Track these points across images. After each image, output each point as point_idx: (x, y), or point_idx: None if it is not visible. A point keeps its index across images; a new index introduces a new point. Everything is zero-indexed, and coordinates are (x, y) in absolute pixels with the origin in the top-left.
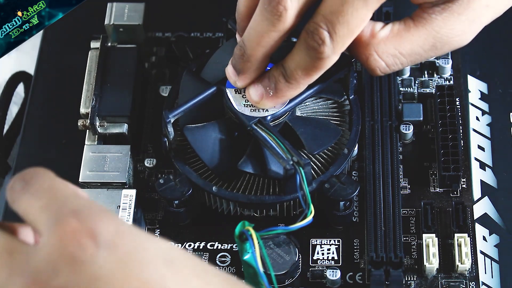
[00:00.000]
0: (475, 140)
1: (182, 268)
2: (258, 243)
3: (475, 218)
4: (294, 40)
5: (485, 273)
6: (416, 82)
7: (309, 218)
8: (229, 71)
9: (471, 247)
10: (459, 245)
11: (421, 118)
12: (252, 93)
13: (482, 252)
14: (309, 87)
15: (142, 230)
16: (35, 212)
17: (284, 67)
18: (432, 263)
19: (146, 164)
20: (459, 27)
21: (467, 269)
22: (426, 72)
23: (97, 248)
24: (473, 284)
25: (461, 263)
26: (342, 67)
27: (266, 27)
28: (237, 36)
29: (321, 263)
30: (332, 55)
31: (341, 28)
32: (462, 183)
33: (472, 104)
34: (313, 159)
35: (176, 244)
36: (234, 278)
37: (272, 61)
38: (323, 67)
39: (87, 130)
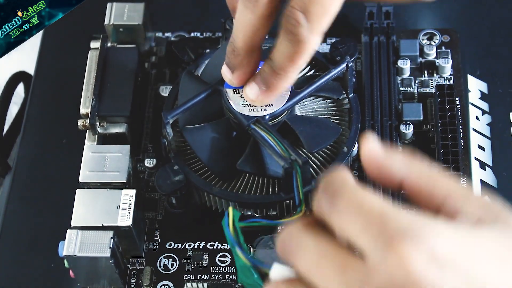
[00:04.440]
0: (475, 139)
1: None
2: (237, 233)
3: None
4: None
5: None
6: (416, 81)
7: (298, 215)
8: (224, 70)
9: None
10: None
11: (421, 118)
12: (248, 92)
13: None
14: (308, 85)
15: (467, 235)
16: (352, 233)
17: (271, 59)
18: None
19: (146, 164)
20: None
21: None
22: (426, 72)
23: (440, 271)
24: None
25: None
26: (340, 65)
27: (247, 15)
28: None
29: None
30: (310, 35)
31: (314, 6)
32: (462, 182)
33: (472, 104)
34: (312, 157)
35: (176, 244)
36: None
37: None
38: (305, 51)
39: (87, 130)
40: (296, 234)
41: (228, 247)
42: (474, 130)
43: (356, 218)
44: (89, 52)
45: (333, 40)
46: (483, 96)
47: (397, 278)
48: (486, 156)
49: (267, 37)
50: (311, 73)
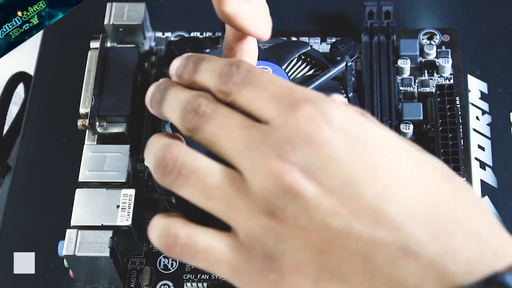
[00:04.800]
0: (475, 139)
1: (405, 156)
2: None
3: None
4: (294, 39)
5: None
6: (416, 81)
7: None
8: None
9: None
10: None
11: (421, 118)
12: None
13: None
14: (307, 84)
15: (366, 119)
16: (261, 102)
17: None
18: None
19: (146, 163)
20: None
21: None
22: (426, 71)
23: (332, 131)
24: None
25: None
26: (339, 64)
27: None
28: None
29: None
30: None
31: None
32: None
33: (472, 104)
34: None
35: None
36: (452, 172)
37: (275, 61)
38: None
39: (87, 130)
40: (206, 102)
41: None
42: (474, 130)
43: (267, 89)
44: (89, 52)
45: (333, 40)
46: (483, 96)
47: (293, 133)
48: (486, 156)
49: None
50: (310, 72)
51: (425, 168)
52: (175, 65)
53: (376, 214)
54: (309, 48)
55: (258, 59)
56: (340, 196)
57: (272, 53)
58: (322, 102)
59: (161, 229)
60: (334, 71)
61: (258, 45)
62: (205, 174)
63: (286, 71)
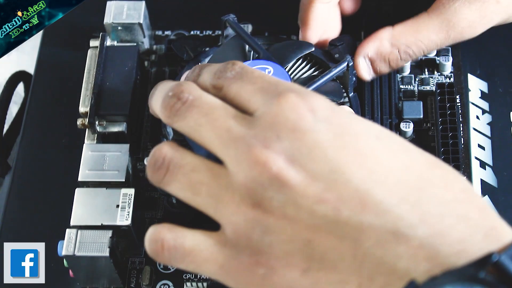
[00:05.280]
0: (475, 139)
1: (391, 143)
2: None
3: None
4: (295, 37)
5: None
6: (416, 79)
7: None
8: None
9: None
10: None
11: (421, 116)
12: None
13: None
14: (309, 85)
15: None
16: (249, 94)
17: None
18: None
19: (145, 163)
20: (469, 17)
21: None
22: (426, 70)
23: (316, 120)
24: None
25: None
26: (340, 64)
27: None
28: None
29: None
30: None
31: None
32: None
33: (473, 103)
34: None
35: None
36: (436, 158)
37: (278, 61)
38: None
39: (87, 129)
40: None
41: None
42: (474, 129)
43: (255, 83)
44: (89, 51)
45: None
46: (483, 96)
47: (277, 121)
48: (486, 156)
49: (266, 34)
50: (310, 71)
51: (412, 153)
52: (185, 74)
53: (363, 199)
54: (313, 49)
55: (259, 59)
56: (326, 182)
57: (275, 53)
58: (306, 93)
59: (150, 236)
60: (335, 71)
61: (260, 45)
62: (191, 170)
63: (289, 71)
